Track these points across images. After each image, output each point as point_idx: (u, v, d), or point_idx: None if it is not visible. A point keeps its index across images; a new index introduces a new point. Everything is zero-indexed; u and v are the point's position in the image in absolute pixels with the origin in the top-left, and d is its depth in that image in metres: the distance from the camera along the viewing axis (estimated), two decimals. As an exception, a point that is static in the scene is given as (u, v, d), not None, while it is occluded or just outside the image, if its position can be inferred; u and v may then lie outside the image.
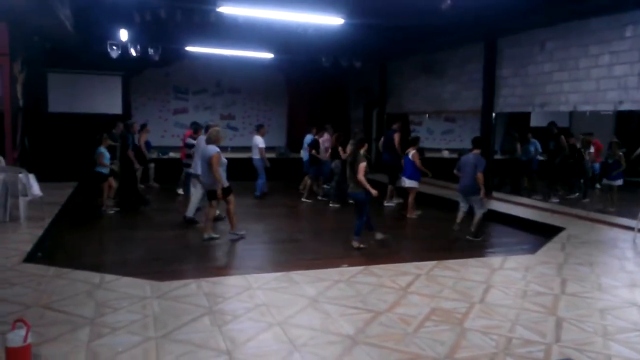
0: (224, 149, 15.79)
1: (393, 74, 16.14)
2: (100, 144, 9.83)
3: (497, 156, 15.09)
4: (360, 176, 7.37)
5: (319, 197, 12.14)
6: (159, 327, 4.21)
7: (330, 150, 12.00)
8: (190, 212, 9.14)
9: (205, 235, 7.84)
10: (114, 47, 12.85)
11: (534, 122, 16.98)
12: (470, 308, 4.84)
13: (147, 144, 13.09)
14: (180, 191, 12.22)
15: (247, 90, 17.82)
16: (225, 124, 17.61)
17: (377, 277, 5.72)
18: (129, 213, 10.07)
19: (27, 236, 7.18)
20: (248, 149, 13.43)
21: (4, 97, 10.06)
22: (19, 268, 5.74)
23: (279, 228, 9.41)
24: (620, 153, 11.05)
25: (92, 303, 4.72)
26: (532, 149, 13.80)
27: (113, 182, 10.05)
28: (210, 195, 7.90)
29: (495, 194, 11.62)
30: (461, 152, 15.80)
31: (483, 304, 4.96)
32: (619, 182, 10.95)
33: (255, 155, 12.06)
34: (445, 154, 18.01)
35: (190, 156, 9.97)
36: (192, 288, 5.23)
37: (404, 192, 10.76)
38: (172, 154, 14.79)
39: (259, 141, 11.90)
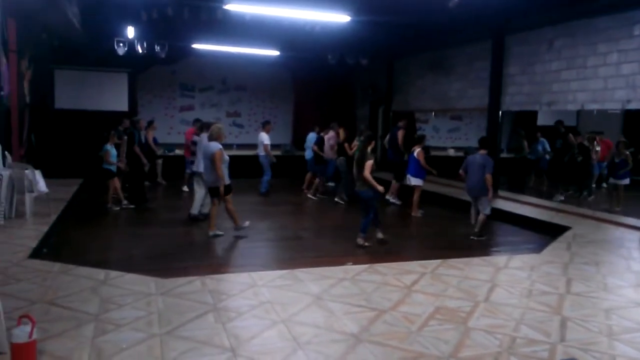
0: (229, 146, 15.94)
1: (400, 72, 16.09)
2: (107, 142, 9.85)
3: (504, 154, 15.04)
4: (367, 173, 7.35)
5: (317, 196, 12.10)
6: (164, 323, 4.22)
7: (336, 148, 12.00)
8: (194, 209, 9.16)
9: (210, 233, 7.86)
10: (121, 44, 12.88)
11: (541, 120, 16.94)
12: (475, 307, 4.82)
13: (154, 140, 13.14)
14: (185, 188, 12.25)
15: (253, 87, 17.84)
16: (231, 122, 17.66)
17: (382, 276, 5.71)
18: (134, 210, 10.10)
19: (32, 232, 7.22)
20: (254, 146, 13.46)
21: (11, 94, 10.10)
22: (24, 264, 5.77)
23: (283, 225, 9.42)
24: (627, 152, 10.98)
25: (96, 299, 4.74)
26: (540, 148, 13.75)
27: (117, 181, 10.06)
28: (212, 192, 7.91)
29: (500, 193, 11.57)
30: (467, 150, 15.78)
31: (488, 303, 4.94)
32: (626, 181, 10.89)
33: (261, 152, 12.08)
34: (451, 152, 17.96)
35: (195, 154, 9.99)
36: (196, 285, 5.25)
37: (408, 190, 10.73)
38: (177, 151, 14.83)
39: (264, 138, 11.91)
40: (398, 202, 11.40)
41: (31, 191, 8.18)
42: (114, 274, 5.51)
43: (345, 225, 9.43)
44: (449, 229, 9.28)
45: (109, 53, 13.22)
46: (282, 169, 13.54)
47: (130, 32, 12.44)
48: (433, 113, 17.46)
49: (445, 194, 12.01)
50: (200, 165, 8.73)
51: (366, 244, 7.57)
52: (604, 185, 14.09)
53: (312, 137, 12.75)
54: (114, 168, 9.87)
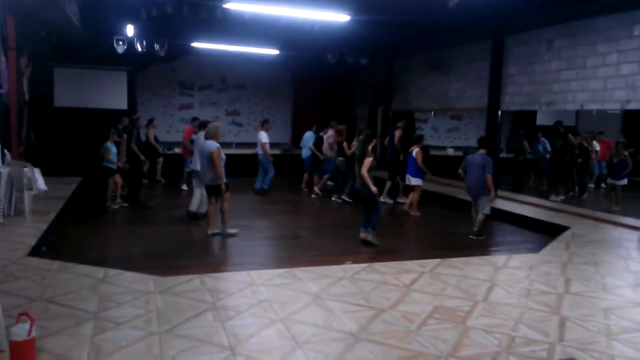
0: (228, 145, 15.93)
1: (399, 71, 16.09)
2: (107, 139, 9.84)
3: (503, 154, 15.06)
4: (364, 171, 7.33)
5: (314, 194, 12.08)
6: (163, 322, 4.22)
7: (336, 147, 12.01)
8: (193, 206, 9.15)
9: (209, 231, 7.85)
10: (120, 42, 12.86)
11: (540, 120, 16.97)
12: (474, 306, 4.83)
13: (155, 138, 13.14)
14: (185, 187, 12.25)
15: (253, 86, 17.83)
16: (230, 120, 17.65)
17: (381, 275, 5.71)
18: (133, 208, 10.10)
19: (31, 230, 7.22)
20: (253, 145, 13.46)
21: (10, 91, 10.09)
22: (23, 262, 5.77)
23: (282, 224, 9.42)
24: (626, 153, 11.00)
25: (96, 297, 4.74)
26: (541, 148, 13.77)
27: (119, 179, 10.06)
28: (209, 191, 7.88)
29: (500, 192, 11.57)
30: (466, 150, 15.81)
31: (486, 303, 4.95)
32: (624, 181, 10.90)
33: (260, 151, 12.07)
34: (450, 151, 17.97)
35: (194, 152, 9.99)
36: (195, 283, 5.25)
37: (408, 190, 10.73)
38: (177, 150, 14.83)
39: (263, 136, 11.90)
40: (390, 201, 11.40)
41: (30, 189, 8.18)
42: (113, 272, 5.51)
43: (344, 224, 9.44)
44: (448, 229, 9.29)
45: (108, 51, 13.20)
46: (281, 168, 13.53)
47: (130, 30, 12.42)
48: (432, 113, 17.47)
49: (444, 194, 12.02)
50: (197, 164, 8.70)
51: (376, 241, 7.54)
52: (603, 185, 14.14)
53: (309, 136, 12.74)
54: (114, 166, 9.87)
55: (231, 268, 6.53)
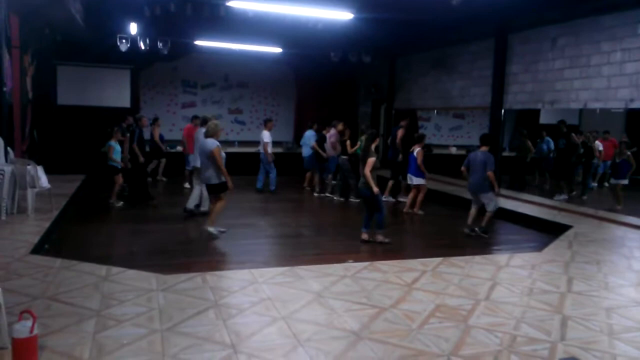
0: (230, 143, 15.95)
1: (402, 70, 16.08)
2: (111, 138, 9.86)
3: (506, 153, 15.03)
4: (366, 170, 7.33)
5: (315, 194, 12.07)
6: (165, 319, 4.23)
7: (339, 146, 12.02)
8: (190, 204, 9.15)
9: (211, 229, 7.85)
10: (124, 41, 12.88)
11: (544, 119, 16.92)
12: (476, 305, 4.82)
13: (161, 137, 13.18)
14: (187, 185, 12.26)
15: (255, 84, 17.84)
16: (233, 119, 17.68)
17: (383, 273, 5.71)
18: (137, 206, 10.12)
19: (34, 228, 7.24)
20: (255, 143, 13.47)
21: (13, 89, 10.11)
22: (26, 259, 5.78)
23: (284, 223, 9.43)
24: (629, 153, 10.98)
25: (98, 295, 4.75)
26: (545, 147, 13.74)
27: (120, 178, 10.08)
28: (210, 189, 7.85)
29: (503, 191, 11.54)
30: (469, 149, 15.78)
31: (488, 301, 4.94)
32: (624, 181, 10.88)
33: (263, 150, 12.07)
34: (453, 150, 17.95)
35: None
36: (197, 281, 5.25)
37: (409, 189, 10.73)
38: (179, 148, 14.84)
39: (265, 136, 11.89)
40: (391, 200, 11.39)
41: (33, 187, 8.20)
42: (115, 269, 5.52)
43: (345, 222, 9.44)
44: (451, 227, 9.27)
45: (111, 49, 13.23)
46: (283, 167, 13.54)
47: (133, 28, 12.44)
48: (435, 111, 17.45)
49: (447, 192, 12.01)
50: (197, 161, 8.68)
51: (386, 240, 7.55)
52: (606, 184, 14.11)
53: (309, 134, 12.73)
54: (118, 164, 9.89)
55: (233, 266, 6.54)
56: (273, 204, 11.22)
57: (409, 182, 10.35)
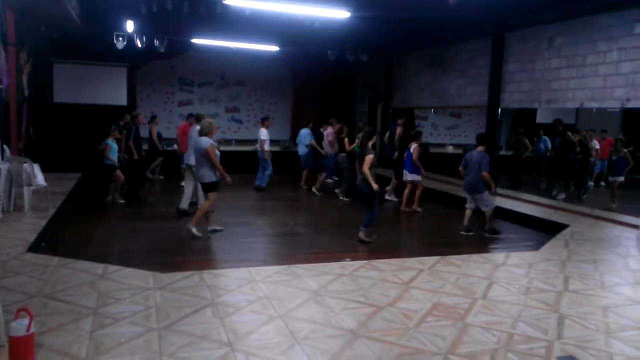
0: (228, 142, 15.91)
1: (399, 69, 16.09)
2: (108, 136, 9.83)
3: (503, 152, 15.07)
4: (365, 168, 7.33)
5: (314, 191, 12.06)
6: (162, 318, 4.23)
7: (336, 144, 12.02)
8: (184, 204, 9.12)
9: (209, 228, 7.85)
10: (120, 39, 12.84)
11: (540, 118, 16.95)
12: (473, 304, 4.83)
13: (159, 135, 13.16)
14: (184, 184, 12.22)
15: (252, 83, 17.83)
16: (230, 117, 17.67)
17: (380, 272, 5.72)
18: (133, 205, 10.09)
19: (31, 226, 7.22)
20: (252, 142, 13.45)
21: (9, 87, 10.08)
22: (23, 258, 5.77)
23: (282, 221, 9.43)
24: (625, 151, 11.02)
25: (95, 293, 4.75)
26: (542, 146, 13.77)
27: (120, 175, 10.03)
28: (204, 188, 7.82)
29: (500, 191, 11.57)
30: (466, 148, 15.81)
31: (485, 300, 4.95)
32: (621, 178, 10.93)
33: (260, 148, 12.06)
34: (450, 149, 17.97)
35: None
36: (194, 280, 5.25)
37: (401, 188, 10.76)
38: (176, 146, 14.82)
39: (263, 134, 11.87)
40: (395, 199, 11.40)
41: (30, 185, 8.17)
42: (112, 268, 5.51)
43: (343, 221, 9.44)
44: (448, 226, 9.28)
45: (108, 47, 13.19)
46: (281, 165, 13.53)
47: (130, 26, 12.41)
48: (432, 110, 17.47)
49: (444, 191, 12.02)
50: (191, 159, 8.65)
51: (368, 240, 7.56)
52: (603, 183, 14.15)
53: (305, 133, 12.73)
54: (113, 163, 9.84)
55: (231, 265, 6.51)
56: (270, 202, 11.22)
57: (404, 178, 10.37)
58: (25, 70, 11.56)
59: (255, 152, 12.50)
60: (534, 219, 9.38)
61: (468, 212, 8.49)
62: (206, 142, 7.43)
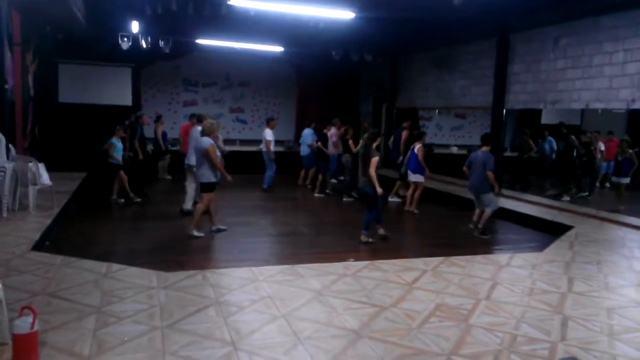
0: (232, 142, 15.93)
1: (404, 69, 16.07)
2: (113, 136, 9.86)
3: (507, 153, 15.02)
4: (372, 171, 7.35)
5: (316, 194, 12.05)
6: (165, 317, 4.24)
7: (340, 144, 12.01)
8: (187, 204, 9.13)
9: (213, 228, 7.86)
10: (125, 39, 12.88)
11: (545, 119, 16.91)
12: (476, 305, 4.82)
13: (164, 135, 13.19)
14: (186, 183, 12.25)
15: (257, 83, 17.84)
16: (234, 117, 17.69)
17: (383, 272, 5.71)
18: (138, 203, 10.11)
19: (35, 225, 7.25)
20: (257, 142, 13.46)
21: (15, 87, 10.12)
22: (27, 256, 5.79)
23: (285, 221, 9.43)
24: (631, 151, 10.98)
25: (98, 292, 4.76)
26: (547, 147, 13.73)
27: (124, 175, 10.06)
28: (203, 188, 7.79)
29: (504, 191, 11.54)
30: (470, 148, 15.77)
31: (489, 301, 4.94)
32: (626, 180, 10.89)
33: (265, 148, 12.06)
34: (454, 150, 17.94)
35: None
36: (198, 279, 5.26)
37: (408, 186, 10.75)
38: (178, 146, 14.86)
39: (268, 134, 11.88)
40: (397, 200, 11.38)
41: (34, 184, 8.21)
42: (116, 267, 5.53)
43: (346, 221, 9.43)
44: (451, 227, 9.27)
45: (113, 48, 13.23)
46: (284, 165, 13.54)
47: (135, 26, 12.44)
48: (437, 110, 17.44)
49: (447, 192, 11.99)
50: (191, 159, 8.66)
51: (370, 240, 7.57)
52: (607, 184, 14.09)
53: (307, 133, 12.73)
54: (117, 162, 9.87)
55: (234, 264, 6.51)
56: (274, 202, 11.22)
57: (408, 178, 10.36)
58: (31, 70, 11.61)
59: (259, 152, 12.50)
60: (538, 220, 9.35)
61: (477, 212, 8.46)
62: (207, 141, 7.44)
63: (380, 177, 7.60)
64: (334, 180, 13.22)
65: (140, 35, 12.86)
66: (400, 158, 11.35)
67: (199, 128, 8.08)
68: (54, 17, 10.86)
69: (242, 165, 14.13)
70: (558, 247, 7.19)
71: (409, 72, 15.75)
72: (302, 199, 12.06)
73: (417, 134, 10.49)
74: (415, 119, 16.16)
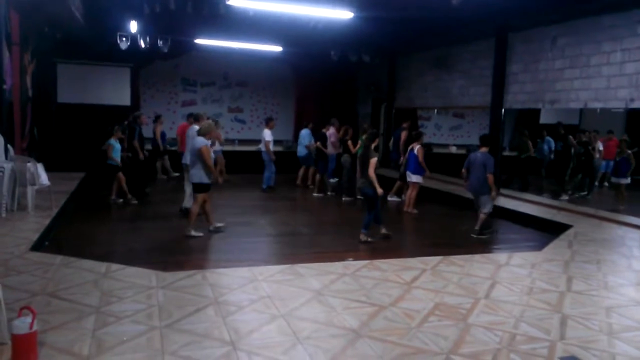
0: (231, 141, 15.92)
1: (402, 69, 16.07)
2: (111, 136, 9.85)
3: (506, 152, 15.03)
4: (372, 172, 7.36)
5: (315, 194, 12.04)
6: (164, 316, 4.23)
7: (337, 144, 11.99)
8: (187, 202, 9.12)
9: (211, 227, 7.85)
10: (124, 39, 12.87)
11: (544, 119, 16.92)
12: (475, 304, 4.83)
13: (163, 134, 13.17)
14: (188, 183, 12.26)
15: (255, 83, 17.84)
16: (232, 117, 17.68)
17: (382, 272, 5.71)
18: (137, 203, 10.10)
19: (34, 225, 7.24)
20: (255, 142, 13.44)
21: (13, 87, 10.11)
22: (26, 256, 5.79)
23: (284, 221, 9.43)
24: (629, 151, 10.99)
25: (97, 292, 4.76)
26: (545, 147, 13.75)
27: (122, 175, 10.05)
28: (194, 187, 7.73)
29: (503, 191, 11.54)
30: (469, 148, 15.78)
31: (488, 300, 4.94)
32: (627, 180, 10.90)
33: (264, 148, 12.05)
34: (453, 149, 17.95)
35: None
36: (197, 279, 5.26)
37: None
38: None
39: (267, 134, 11.87)
40: (397, 199, 11.39)
41: (33, 184, 8.20)
42: (115, 266, 5.53)
43: (345, 221, 9.43)
44: (450, 226, 9.28)
45: (111, 47, 13.21)
46: (283, 165, 13.54)
47: (133, 26, 12.42)
48: (435, 110, 17.44)
49: (446, 191, 12.00)
50: (188, 157, 8.64)
51: (369, 239, 7.58)
52: (606, 184, 14.11)
53: (304, 133, 12.73)
54: (116, 163, 9.86)
55: (233, 264, 6.50)
56: (273, 202, 11.21)
57: (408, 179, 10.36)
58: (29, 70, 11.60)
59: (258, 152, 12.49)
60: (537, 219, 9.36)
61: (479, 213, 8.44)
62: (201, 141, 7.42)
63: (379, 177, 7.61)
64: (332, 180, 13.23)
65: (138, 35, 12.85)
66: (402, 159, 11.35)
67: (196, 127, 8.08)
68: (53, 16, 10.84)
69: (241, 165, 14.14)
70: (557, 247, 7.20)
71: (408, 72, 15.75)
72: (301, 198, 12.06)
73: (415, 135, 10.51)
74: (415, 119, 16.17)
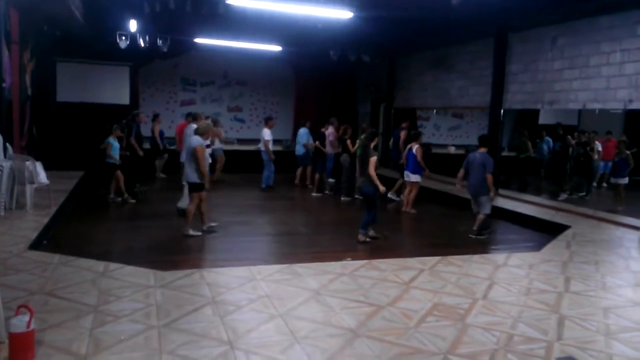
0: (230, 141, 15.90)
1: (402, 69, 16.07)
2: (110, 135, 9.85)
3: (505, 153, 15.04)
4: (372, 171, 7.36)
5: (313, 193, 12.03)
6: (162, 316, 4.24)
7: (336, 144, 11.99)
8: (183, 203, 9.11)
9: (204, 227, 7.82)
10: (123, 38, 12.86)
11: (543, 119, 16.93)
12: (473, 304, 4.83)
13: (161, 133, 13.17)
14: (185, 182, 12.24)
15: (255, 82, 17.83)
16: (232, 116, 17.68)
17: (380, 272, 5.72)
18: (135, 203, 10.10)
19: (33, 223, 7.24)
20: (254, 141, 13.44)
21: (12, 85, 10.10)
22: (24, 255, 5.78)
23: (283, 221, 9.43)
24: (628, 152, 11.01)
25: (95, 291, 4.76)
26: (545, 147, 13.76)
27: (120, 174, 10.05)
28: (189, 187, 7.70)
29: (502, 191, 11.54)
30: (468, 148, 15.78)
31: (486, 300, 4.95)
32: (625, 180, 10.92)
33: (263, 148, 12.05)
34: (452, 149, 17.96)
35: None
36: (195, 278, 5.26)
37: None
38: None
39: (266, 134, 11.87)
40: (397, 198, 11.40)
41: (32, 183, 8.20)
42: (113, 266, 5.53)
43: (344, 221, 9.44)
44: (449, 227, 9.28)
45: (111, 46, 13.19)
46: (282, 164, 13.53)
47: (133, 25, 12.41)
48: (434, 111, 17.44)
49: (445, 192, 11.99)
50: (184, 156, 8.63)
51: (367, 239, 7.58)
52: (604, 184, 14.13)
53: (302, 132, 12.73)
54: (115, 161, 9.86)
55: (231, 263, 6.49)
56: (272, 201, 11.21)
57: (406, 179, 10.37)
58: (28, 69, 11.59)
59: (257, 152, 12.48)
60: (535, 220, 9.36)
61: (475, 213, 8.44)
62: (196, 140, 7.41)
63: (379, 177, 7.60)
64: (330, 180, 13.23)
65: (138, 34, 12.83)
66: (403, 159, 11.34)
67: (194, 126, 8.08)
68: (52, 15, 10.83)
69: (240, 165, 14.13)
70: (555, 247, 7.20)
71: (407, 72, 15.75)
72: (300, 198, 12.05)
73: (413, 135, 10.52)
74: (414, 119, 16.17)
